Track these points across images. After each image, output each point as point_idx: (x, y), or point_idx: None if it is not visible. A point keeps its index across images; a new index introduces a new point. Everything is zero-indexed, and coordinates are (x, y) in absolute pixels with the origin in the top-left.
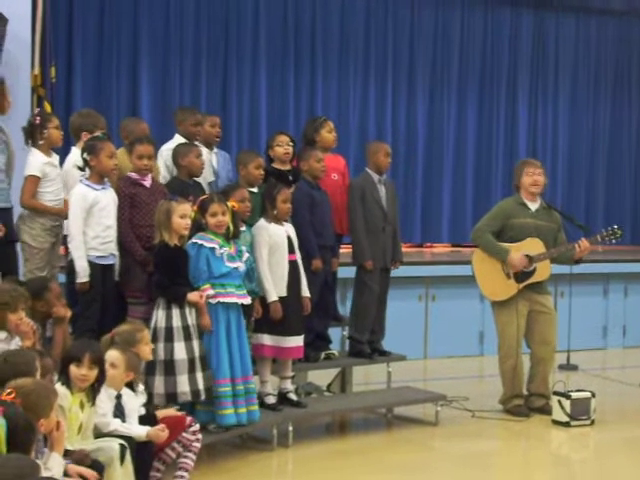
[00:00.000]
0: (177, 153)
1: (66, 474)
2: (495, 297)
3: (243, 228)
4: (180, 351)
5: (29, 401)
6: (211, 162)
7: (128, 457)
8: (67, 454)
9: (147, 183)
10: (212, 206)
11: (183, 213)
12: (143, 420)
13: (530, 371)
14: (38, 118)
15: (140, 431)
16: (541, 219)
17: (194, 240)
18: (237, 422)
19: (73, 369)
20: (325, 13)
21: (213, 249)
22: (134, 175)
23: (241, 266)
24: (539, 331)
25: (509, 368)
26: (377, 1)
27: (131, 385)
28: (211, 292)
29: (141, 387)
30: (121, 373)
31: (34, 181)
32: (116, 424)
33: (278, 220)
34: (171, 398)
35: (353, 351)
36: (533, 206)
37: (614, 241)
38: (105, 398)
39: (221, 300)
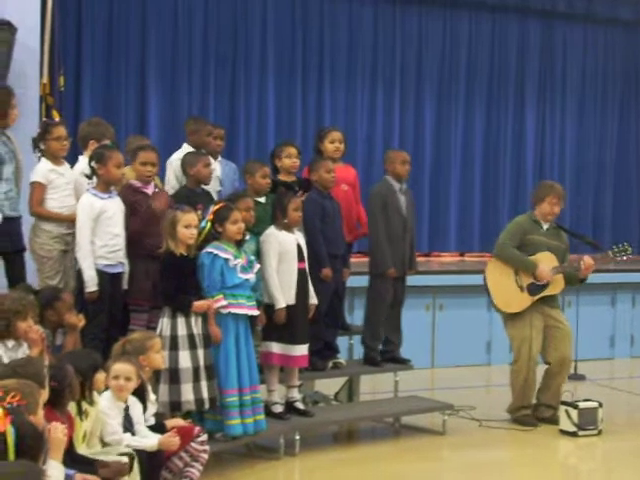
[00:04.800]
0: (185, 162)
1: None
2: (508, 309)
3: (247, 237)
4: (185, 360)
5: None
6: (216, 171)
7: (135, 467)
8: (96, 464)
9: (149, 191)
10: (234, 213)
11: (188, 223)
12: (153, 430)
13: (543, 382)
14: (38, 131)
15: (152, 442)
16: (552, 238)
17: (209, 249)
18: (244, 432)
19: (100, 377)
20: (333, 24)
21: (227, 260)
22: (136, 183)
23: (252, 277)
24: (556, 347)
25: (521, 381)
26: (384, 11)
27: (142, 395)
28: (224, 302)
29: (153, 397)
30: (134, 385)
31: (39, 188)
32: (128, 440)
33: (289, 228)
34: (175, 406)
35: (366, 358)
36: (545, 225)
37: (625, 257)
38: (116, 413)
39: (232, 311)
